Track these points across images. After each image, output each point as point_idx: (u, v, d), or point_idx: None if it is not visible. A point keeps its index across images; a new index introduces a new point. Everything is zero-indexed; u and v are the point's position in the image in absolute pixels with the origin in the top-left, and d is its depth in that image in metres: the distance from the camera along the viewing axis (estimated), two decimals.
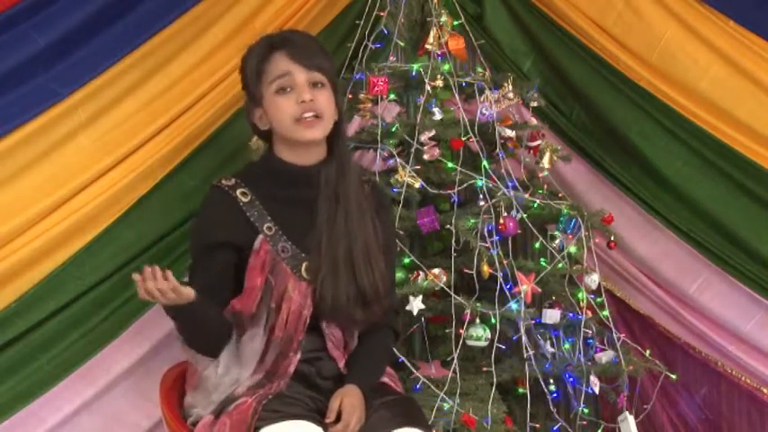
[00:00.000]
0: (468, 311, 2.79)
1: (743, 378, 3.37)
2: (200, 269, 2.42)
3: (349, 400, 2.29)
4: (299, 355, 2.38)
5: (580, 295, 3.02)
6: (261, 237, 2.39)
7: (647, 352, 3.21)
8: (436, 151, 2.96)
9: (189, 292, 2.26)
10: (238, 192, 2.42)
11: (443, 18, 3.08)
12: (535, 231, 3.01)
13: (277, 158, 2.47)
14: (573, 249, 3.04)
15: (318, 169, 2.46)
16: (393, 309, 2.59)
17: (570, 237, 3.04)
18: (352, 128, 3.20)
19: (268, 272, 2.39)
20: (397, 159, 2.94)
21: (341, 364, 2.43)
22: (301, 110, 2.39)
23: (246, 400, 2.28)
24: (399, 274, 2.84)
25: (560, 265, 3.01)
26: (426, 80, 2.95)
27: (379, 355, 2.50)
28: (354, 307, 2.40)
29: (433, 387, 2.75)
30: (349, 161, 2.50)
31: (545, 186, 3.16)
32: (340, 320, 2.42)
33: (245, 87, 2.49)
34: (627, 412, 3.04)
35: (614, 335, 3.05)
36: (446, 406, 2.71)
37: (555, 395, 2.96)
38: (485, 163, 2.97)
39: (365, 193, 2.50)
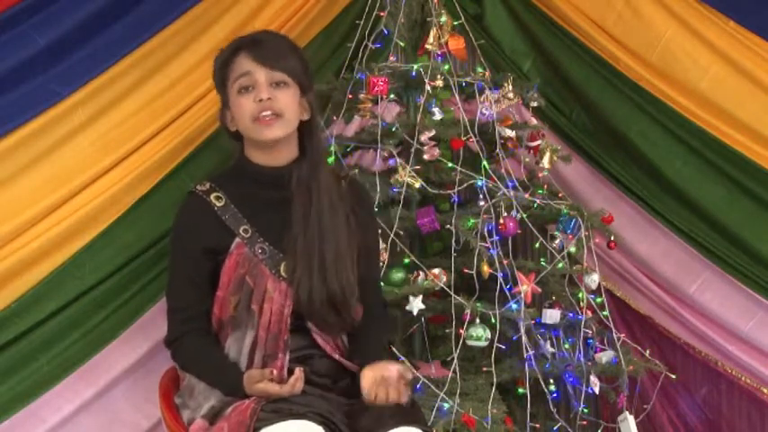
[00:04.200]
0: (468, 311, 2.79)
1: (743, 378, 3.37)
2: (188, 272, 2.43)
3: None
4: (288, 356, 2.38)
5: (580, 295, 3.02)
6: (237, 240, 2.40)
7: (647, 352, 3.21)
8: (436, 151, 2.96)
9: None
10: (212, 196, 2.43)
11: (443, 18, 3.08)
12: (535, 231, 3.01)
13: (248, 161, 2.48)
14: (573, 249, 3.04)
15: (290, 169, 2.46)
16: (383, 303, 2.59)
17: (570, 237, 3.04)
18: (352, 128, 3.20)
19: (246, 274, 2.39)
20: (397, 159, 2.94)
21: (335, 356, 2.43)
22: (259, 108, 2.39)
23: (244, 401, 2.28)
24: (399, 274, 2.84)
25: (560, 265, 3.01)
26: (426, 80, 2.95)
27: (382, 338, 2.53)
28: (328, 310, 2.40)
29: (433, 387, 2.75)
30: (321, 160, 2.50)
31: (545, 186, 3.16)
32: (315, 322, 2.42)
33: (217, 91, 2.52)
34: (627, 412, 3.04)
35: (614, 335, 3.05)
36: (446, 406, 2.71)
37: (555, 395, 2.96)
38: (485, 163, 2.97)
39: (341, 191, 2.50)
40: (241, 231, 2.41)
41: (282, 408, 2.24)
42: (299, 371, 2.30)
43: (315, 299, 2.38)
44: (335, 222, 2.44)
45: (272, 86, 2.41)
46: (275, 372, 2.31)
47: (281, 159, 2.47)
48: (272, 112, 2.40)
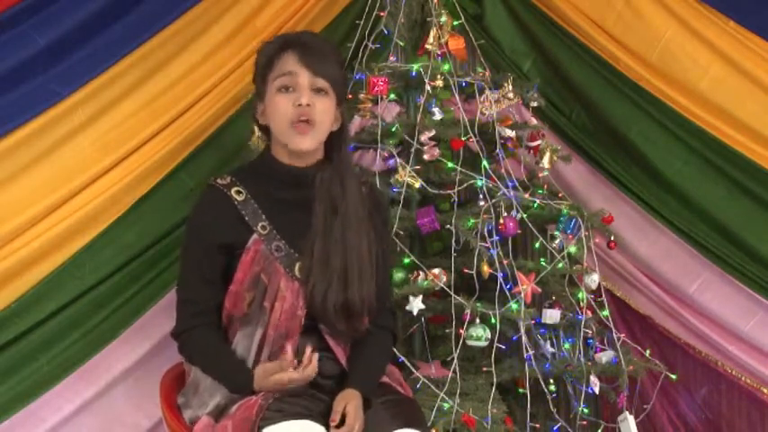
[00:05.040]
0: (468, 311, 2.79)
1: (743, 378, 3.37)
2: (202, 266, 2.42)
3: (352, 405, 2.29)
4: (295, 361, 2.37)
5: (580, 295, 3.02)
6: (255, 236, 2.40)
7: (647, 352, 3.21)
8: (436, 151, 2.96)
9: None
10: (233, 190, 2.43)
11: (443, 18, 3.07)
12: (535, 231, 3.00)
13: (273, 158, 2.48)
14: (573, 249, 3.04)
15: (314, 171, 2.46)
16: (390, 311, 2.59)
17: (570, 237, 3.04)
18: (353, 128, 3.20)
19: (261, 271, 2.39)
20: (397, 159, 2.94)
21: (344, 361, 2.43)
22: (297, 113, 2.40)
23: (252, 398, 2.28)
24: (399, 274, 2.84)
25: (560, 265, 3.01)
26: (426, 80, 2.95)
27: (378, 358, 2.50)
28: (339, 317, 2.40)
29: (433, 387, 2.75)
30: (350, 173, 2.50)
31: (545, 186, 3.16)
32: (325, 326, 2.42)
33: (254, 82, 2.51)
34: (627, 412, 3.04)
35: (614, 335, 3.05)
36: (446, 406, 2.71)
37: (555, 395, 2.96)
38: (485, 163, 2.97)
39: (364, 199, 2.50)
40: (259, 228, 2.41)
41: (286, 408, 2.25)
42: (308, 351, 2.29)
43: (329, 304, 2.38)
44: (361, 236, 2.44)
45: (313, 92, 2.41)
46: (289, 358, 2.30)
47: (307, 161, 2.47)
48: (308, 118, 2.40)
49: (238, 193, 2.43)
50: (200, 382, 2.42)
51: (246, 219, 2.41)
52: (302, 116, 2.39)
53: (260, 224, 2.41)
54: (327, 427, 2.26)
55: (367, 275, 2.43)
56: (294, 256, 2.41)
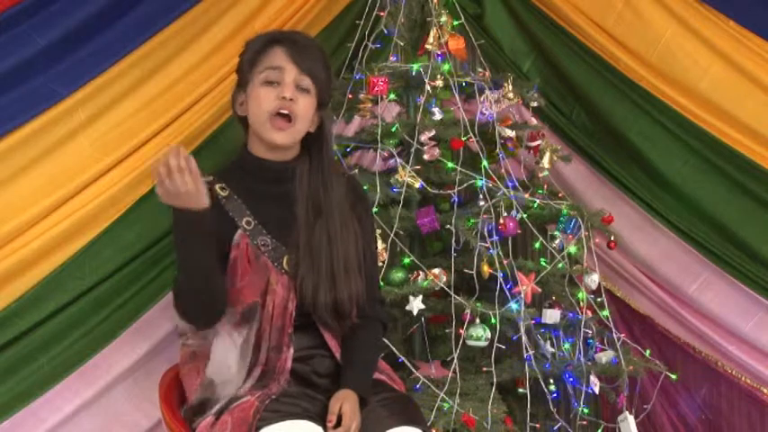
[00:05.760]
0: (468, 311, 2.79)
1: (743, 378, 3.37)
2: None
3: (349, 405, 2.29)
4: (292, 350, 2.38)
5: (580, 295, 3.02)
6: (240, 231, 2.40)
7: (647, 352, 3.22)
8: (436, 151, 2.96)
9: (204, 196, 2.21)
10: (217, 187, 2.44)
11: (443, 18, 3.08)
12: (535, 231, 3.01)
13: (250, 154, 2.49)
14: (573, 249, 3.04)
15: (293, 165, 2.47)
16: (378, 300, 2.59)
17: (570, 237, 3.04)
18: (352, 128, 3.20)
19: (251, 266, 2.39)
20: (397, 159, 2.94)
21: (338, 354, 2.43)
22: (279, 105, 2.41)
23: (249, 399, 2.28)
24: (399, 274, 2.84)
25: (560, 265, 3.01)
26: (426, 80, 2.95)
27: (370, 353, 2.50)
28: (330, 314, 2.41)
29: (433, 387, 2.75)
30: (332, 174, 2.50)
31: (545, 186, 3.16)
32: (316, 319, 2.43)
33: (238, 71, 2.51)
34: (627, 412, 3.04)
35: (614, 335, 3.05)
36: (446, 406, 2.71)
37: (555, 395, 2.96)
38: (485, 163, 2.97)
39: (347, 195, 2.50)
40: (244, 223, 2.41)
41: (283, 409, 2.25)
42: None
43: (320, 300, 2.39)
44: (347, 236, 2.45)
45: (297, 89, 2.42)
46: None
47: (284, 156, 2.48)
48: (290, 112, 2.40)
49: (222, 189, 2.44)
50: (219, 385, 2.41)
51: (231, 214, 2.42)
52: (283, 108, 2.40)
53: (245, 219, 2.42)
54: (325, 427, 2.25)
55: (354, 274, 2.44)
56: (282, 250, 2.42)
